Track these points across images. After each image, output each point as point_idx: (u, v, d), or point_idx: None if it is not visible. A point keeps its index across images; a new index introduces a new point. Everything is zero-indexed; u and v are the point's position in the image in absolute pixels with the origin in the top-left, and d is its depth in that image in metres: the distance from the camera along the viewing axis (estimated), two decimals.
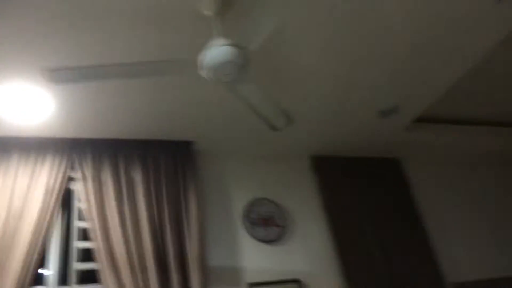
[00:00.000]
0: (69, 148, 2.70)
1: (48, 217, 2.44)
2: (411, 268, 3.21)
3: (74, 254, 2.51)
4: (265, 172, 3.31)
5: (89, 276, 2.54)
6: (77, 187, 2.62)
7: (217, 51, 1.64)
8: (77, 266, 2.49)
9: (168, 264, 2.53)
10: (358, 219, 3.29)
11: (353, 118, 3.12)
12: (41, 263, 2.39)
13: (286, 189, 3.29)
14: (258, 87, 1.94)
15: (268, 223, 3.05)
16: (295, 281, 2.87)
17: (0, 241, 2.27)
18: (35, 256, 2.31)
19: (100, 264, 2.41)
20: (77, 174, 2.64)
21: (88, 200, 2.56)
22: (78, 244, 2.54)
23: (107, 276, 2.37)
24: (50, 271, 2.43)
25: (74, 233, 2.57)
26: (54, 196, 2.51)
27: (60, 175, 2.59)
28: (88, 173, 2.65)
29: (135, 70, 1.67)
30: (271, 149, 3.33)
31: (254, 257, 2.90)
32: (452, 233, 3.58)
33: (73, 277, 2.45)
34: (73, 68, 1.62)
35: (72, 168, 2.67)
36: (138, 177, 2.73)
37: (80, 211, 2.62)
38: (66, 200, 2.66)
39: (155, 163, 2.83)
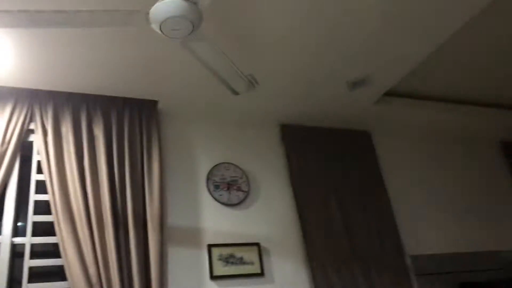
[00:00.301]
0: (29, 100, 2.65)
1: (4, 169, 2.42)
2: (372, 239, 3.26)
3: (31, 207, 2.50)
4: (232, 137, 3.30)
5: (46, 229, 2.55)
6: (36, 140, 2.59)
7: (166, 5, 1.59)
8: (34, 218, 2.48)
9: (126, 221, 2.52)
10: (323, 189, 3.31)
11: (322, 88, 3.11)
12: None
13: (253, 155, 3.29)
14: (214, 47, 1.90)
15: (232, 187, 3.06)
16: (255, 244, 2.91)
17: None
18: None
19: (55, 217, 2.41)
20: (37, 127, 2.60)
21: (46, 153, 2.53)
22: (35, 197, 2.53)
23: (62, 229, 2.37)
24: (5, 222, 2.42)
25: (32, 186, 2.56)
26: (11, 147, 2.48)
27: (19, 126, 2.55)
28: (48, 126, 2.61)
29: (83, 18, 1.62)
30: (239, 114, 3.31)
31: (216, 220, 2.92)
32: (415, 207, 3.63)
33: (29, 229, 2.45)
34: (18, 11, 1.57)
35: (32, 120, 2.64)
36: (100, 133, 2.69)
37: (38, 164, 2.60)
38: (25, 152, 2.64)
39: (118, 120, 2.79)
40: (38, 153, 2.57)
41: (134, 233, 2.49)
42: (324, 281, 2.93)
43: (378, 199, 3.49)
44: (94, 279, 2.32)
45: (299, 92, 3.13)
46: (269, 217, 3.09)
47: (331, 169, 3.44)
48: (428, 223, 3.59)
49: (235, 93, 2.24)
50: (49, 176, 2.48)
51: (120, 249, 2.45)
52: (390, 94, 3.45)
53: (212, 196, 2.98)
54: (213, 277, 2.71)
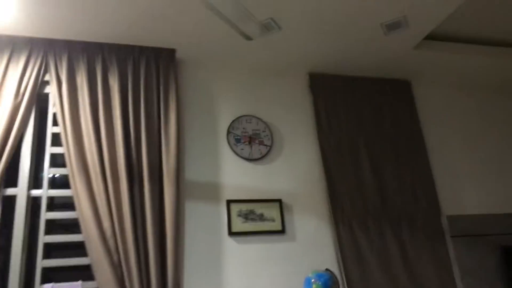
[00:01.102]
0: (44, 50, 2.57)
1: (18, 121, 2.39)
2: (406, 196, 3.05)
3: (47, 160, 2.48)
4: (255, 88, 3.11)
5: (62, 182, 2.55)
6: (51, 91, 2.53)
7: None
8: (50, 171, 2.46)
9: (141, 175, 2.47)
10: (353, 142, 3.10)
11: (354, 31, 2.81)
12: (14, 166, 2.40)
13: (277, 107, 3.10)
14: None
15: (254, 141, 2.92)
16: (276, 200, 2.79)
17: None
18: (5, 159, 2.30)
19: (70, 170, 2.38)
20: (52, 78, 2.53)
21: (61, 105, 2.48)
22: (51, 150, 2.50)
23: (77, 182, 2.35)
24: (22, 175, 2.42)
25: (48, 139, 2.52)
26: (26, 99, 2.44)
27: (33, 77, 2.49)
28: (63, 76, 2.53)
29: None
30: (263, 63, 3.09)
31: (236, 175, 2.81)
32: (455, 163, 3.35)
33: (45, 181, 2.45)
34: None
35: (46, 71, 2.57)
36: (115, 83, 2.60)
37: (54, 116, 2.55)
38: (42, 104, 2.59)
39: (134, 70, 2.68)
40: (54, 105, 2.51)
41: (149, 186, 2.43)
42: (350, 240, 2.80)
43: (414, 153, 3.24)
44: (108, 232, 2.30)
45: (328, 37, 2.85)
46: (292, 172, 2.94)
47: (363, 122, 3.21)
48: (468, 181, 3.31)
49: (248, 38, 2.03)
50: (64, 128, 2.44)
51: (134, 202, 2.41)
52: (432, 38, 3.09)
53: (233, 150, 2.85)
54: (231, 233, 2.63)
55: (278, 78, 3.19)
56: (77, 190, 2.34)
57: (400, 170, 3.13)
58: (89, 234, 2.28)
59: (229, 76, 3.07)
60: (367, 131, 3.18)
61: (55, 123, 2.53)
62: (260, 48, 2.89)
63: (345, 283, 2.68)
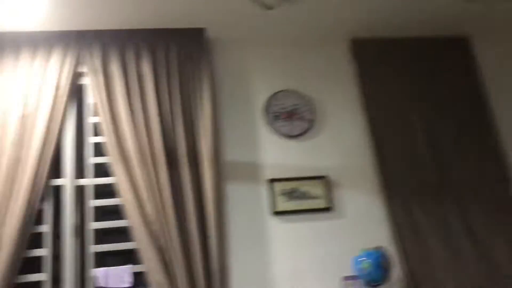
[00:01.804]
0: (78, 42, 2.61)
1: (60, 113, 2.47)
2: (469, 166, 2.79)
3: (88, 149, 2.55)
4: (291, 60, 2.95)
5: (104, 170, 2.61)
6: (88, 82, 2.58)
7: None
8: (92, 160, 2.54)
9: (179, 159, 2.46)
10: (405, 112, 2.87)
11: None
12: (58, 158, 2.48)
13: (317, 79, 2.93)
14: None
15: (293, 117, 2.79)
16: (321, 177, 2.67)
17: (18, 137, 2.36)
18: (50, 152, 2.38)
19: (111, 158, 2.43)
20: (86, 69, 2.58)
21: (97, 95, 2.52)
22: (91, 139, 2.57)
23: (118, 169, 2.39)
24: (67, 165, 2.51)
25: (87, 129, 2.58)
26: (65, 91, 2.51)
27: (70, 70, 2.55)
28: (97, 66, 2.57)
29: None
30: (298, 32, 2.92)
31: (276, 153, 2.71)
32: None
33: (89, 170, 2.52)
34: None
35: (82, 62, 2.62)
36: (147, 69, 2.59)
37: (93, 106, 2.60)
38: (78, 95, 2.65)
39: (165, 53, 2.66)
40: (92, 96, 2.56)
41: (187, 170, 2.43)
42: (405, 216, 2.63)
43: (477, 118, 2.95)
44: (151, 217, 2.33)
45: None
46: (337, 147, 2.79)
47: (415, 87, 2.96)
48: None
49: (267, 7, 1.90)
50: (102, 117, 2.48)
51: (174, 187, 2.41)
52: None
53: (272, 127, 2.75)
54: (275, 213, 2.56)
55: (315, 48, 3.00)
56: (119, 178, 2.38)
57: (460, 139, 2.85)
58: (132, 219, 2.32)
59: (263, 51, 2.94)
60: (420, 98, 2.92)
61: (93, 113, 2.57)
62: (293, 18, 2.74)
63: (402, 261, 2.52)
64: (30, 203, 2.26)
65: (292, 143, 2.75)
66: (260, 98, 2.82)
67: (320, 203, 2.62)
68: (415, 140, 2.80)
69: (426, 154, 2.77)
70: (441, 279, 2.49)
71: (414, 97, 2.91)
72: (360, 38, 3.01)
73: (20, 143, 2.36)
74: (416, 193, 2.68)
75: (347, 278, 2.44)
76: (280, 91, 2.84)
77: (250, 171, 2.65)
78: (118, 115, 2.50)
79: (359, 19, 2.84)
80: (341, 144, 2.80)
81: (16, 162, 2.32)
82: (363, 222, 2.63)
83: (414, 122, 2.84)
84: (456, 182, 2.74)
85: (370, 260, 2.33)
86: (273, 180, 2.62)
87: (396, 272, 2.48)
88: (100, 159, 2.53)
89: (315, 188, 2.64)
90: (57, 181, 2.45)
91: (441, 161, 2.78)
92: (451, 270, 2.51)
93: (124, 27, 2.67)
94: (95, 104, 2.51)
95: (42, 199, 2.35)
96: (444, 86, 2.99)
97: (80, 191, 2.52)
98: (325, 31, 2.94)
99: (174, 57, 2.66)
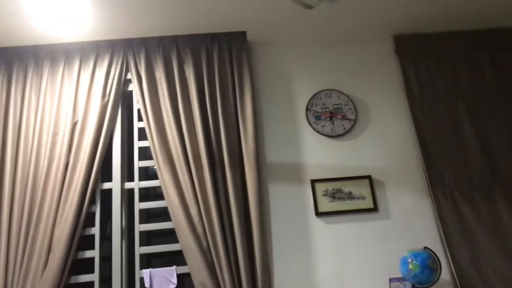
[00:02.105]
0: (124, 50, 2.71)
1: (107, 119, 2.55)
2: None
3: (136, 153, 2.61)
4: (332, 59, 2.92)
5: (153, 173, 2.68)
6: (134, 88, 2.66)
7: None
8: (139, 164, 2.60)
9: (222, 161, 2.50)
10: (452, 108, 2.77)
11: None
12: (107, 163, 2.56)
13: (359, 77, 2.88)
14: None
15: (336, 117, 2.76)
16: (365, 177, 2.62)
17: (68, 144, 2.47)
18: (100, 157, 2.47)
19: (156, 162, 2.49)
20: (133, 76, 2.66)
21: (143, 100, 2.60)
22: (139, 144, 2.63)
23: (163, 173, 2.45)
24: (115, 169, 2.59)
25: (135, 133, 2.66)
26: (112, 98, 2.59)
27: (116, 77, 2.64)
28: (142, 73, 2.65)
29: None
30: (339, 31, 2.88)
31: (319, 153, 2.69)
32: None
33: (136, 174, 2.59)
34: None
35: (128, 70, 2.70)
36: (190, 73, 2.64)
37: (139, 112, 2.67)
38: (125, 101, 2.75)
39: (208, 57, 2.69)
40: (137, 102, 2.64)
41: (230, 172, 2.46)
42: (454, 215, 2.54)
43: None
44: (195, 219, 2.37)
45: None
46: (382, 146, 2.73)
47: (461, 82, 2.85)
48: None
49: (308, 7, 1.90)
50: (147, 123, 2.55)
51: (218, 189, 2.45)
52: None
53: (313, 128, 2.73)
54: (318, 214, 2.54)
55: (355, 46, 2.96)
56: (164, 181, 2.44)
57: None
58: (178, 221, 2.37)
59: (302, 51, 2.93)
60: (467, 93, 2.82)
61: (140, 118, 2.65)
62: (332, 17, 2.71)
63: (451, 262, 2.43)
64: (81, 206, 2.36)
65: (334, 143, 2.72)
66: (302, 99, 2.80)
67: (364, 204, 2.57)
68: (464, 137, 2.71)
69: (476, 151, 2.67)
70: (491, 281, 2.39)
71: (459, 92, 2.82)
72: (403, 34, 2.94)
73: (71, 149, 2.47)
74: (465, 192, 2.58)
75: (393, 279, 2.38)
76: (321, 91, 2.82)
77: (293, 172, 2.64)
78: (162, 120, 2.56)
79: (402, 15, 2.76)
80: (385, 143, 2.74)
81: (68, 168, 2.42)
82: (409, 222, 2.56)
83: (461, 118, 2.75)
84: (508, 179, 2.62)
85: (417, 261, 2.26)
86: (316, 181, 2.60)
87: (444, 273, 2.40)
88: (146, 163, 2.59)
89: (359, 188, 2.59)
90: (106, 185, 2.54)
91: (491, 158, 2.67)
92: (502, 271, 2.41)
93: (168, 34, 2.73)
94: (141, 109, 2.58)
95: (92, 202, 2.45)
96: (493, 80, 2.86)
97: (128, 194, 2.61)
98: (365, 29, 2.89)
99: (216, 60, 2.69)
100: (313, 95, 2.80)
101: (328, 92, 2.82)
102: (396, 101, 2.83)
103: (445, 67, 2.88)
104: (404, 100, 2.83)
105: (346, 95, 2.82)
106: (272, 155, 2.66)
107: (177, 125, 2.53)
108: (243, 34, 2.76)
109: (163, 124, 2.56)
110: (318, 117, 2.75)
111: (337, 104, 2.79)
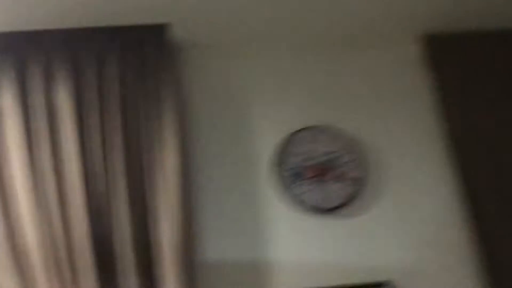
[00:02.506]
0: None
1: None
2: None
3: None
4: (324, 73, 1.87)
5: None
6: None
7: None
8: None
9: (119, 261, 1.53)
10: None
11: None
12: None
13: (365, 104, 1.87)
14: None
15: (328, 175, 1.71)
16: (378, 285, 1.63)
17: None
18: None
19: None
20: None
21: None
22: None
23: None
24: None
25: None
26: None
27: None
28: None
29: None
30: (335, 31, 1.87)
31: (296, 243, 1.68)
32: None
33: None
34: None
35: None
36: (64, 95, 1.60)
37: None
38: None
39: (98, 67, 1.65)
40: None
41: (135, 280, 1.52)
42: None
43: None
44: None
45: None
46: (409, 227, 1.75)
47: None
48: None
49: None
50: None
51: None
52: None
53: (288, 195, 1.69)
54: None
55: (359, 53, 1.92)
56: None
57: None
58: None
59: (272, 59, 1.89)
60: None
61: None
62: (317, 8, 1.69)
63: None
64: None
65: (326, 222, 1.69)
66: (266, 142, 1.76)
67: None
68: None
69: None
70: None
71: None
72: (433, 33, 1.92)
73: None
74: None
75: None
76: (303, 129, 1.74)
77: (249, 279, 1.61)
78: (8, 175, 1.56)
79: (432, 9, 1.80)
80: (414, 222, 1.75)
81: None
82: None
83: None
84: None
85: None
86: None
87: None
88: None
89: None
90: None
91: None
92: None
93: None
94: None
95: None
96: None
97: None
98: (377, 27, 1.86)
99: (113, 73, 1.64)
100: (288, 136, 1.74)
101: (315, 130, 1.74)
102: (431, 144, 1.81)
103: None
104: (444, 143, 1.79)
105: (346, 136, 1.77)
106: (212, 248, 1.62)
107: (35, 186, 1.53)
108: (163, 27, 1.67)
109: (9, 184, 1.55)
110: (296, 175, 1.68)
111: (331, 153, 1.73)
